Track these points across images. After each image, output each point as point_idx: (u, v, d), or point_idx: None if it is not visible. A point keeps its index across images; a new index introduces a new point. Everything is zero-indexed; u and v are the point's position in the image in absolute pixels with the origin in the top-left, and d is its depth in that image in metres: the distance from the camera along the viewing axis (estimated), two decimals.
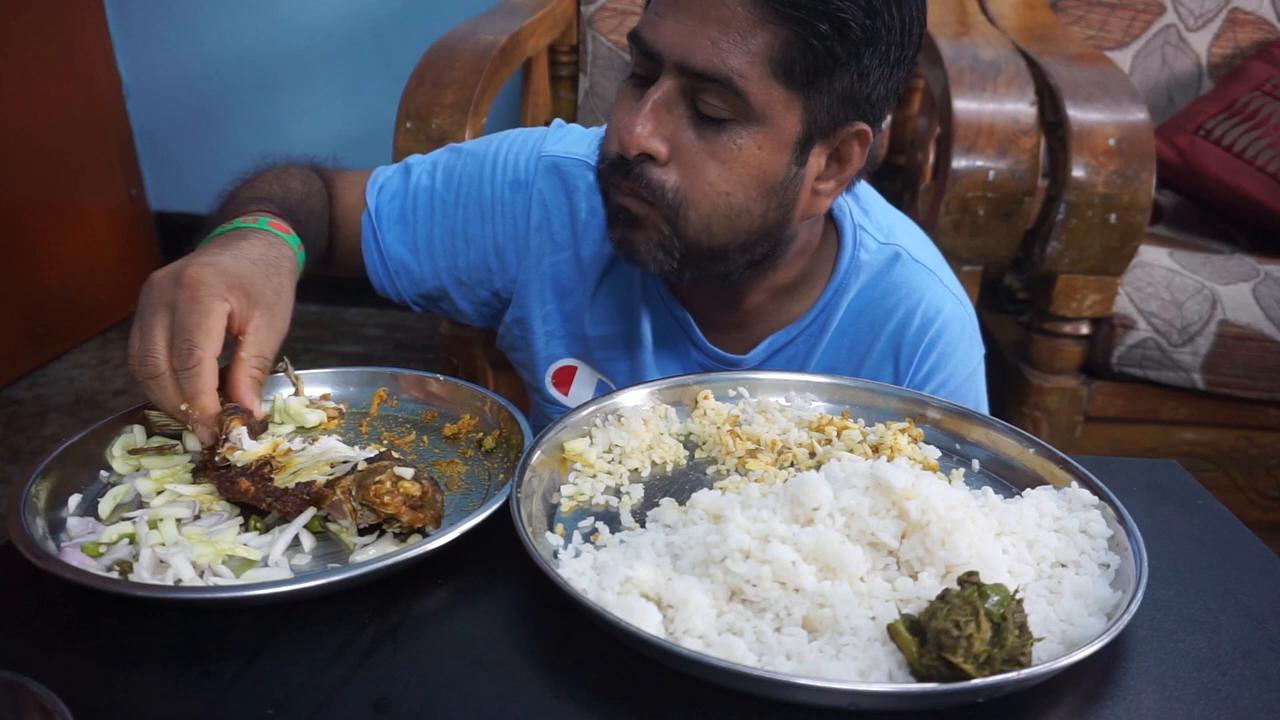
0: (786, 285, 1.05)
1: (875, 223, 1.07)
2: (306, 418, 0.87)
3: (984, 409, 1.11)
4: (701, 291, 1.06)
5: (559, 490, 0.78)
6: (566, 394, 1.16)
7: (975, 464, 0.84)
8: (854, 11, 0.80)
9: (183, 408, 0.76)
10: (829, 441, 0.85)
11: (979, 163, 1.70)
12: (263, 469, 0.75)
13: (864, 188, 1.07)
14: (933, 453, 0.83)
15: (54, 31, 2.73)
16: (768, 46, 0.82)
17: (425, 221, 1.10)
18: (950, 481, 0.80)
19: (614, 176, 0.90)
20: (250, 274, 0.83)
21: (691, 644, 0.60)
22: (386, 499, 0.69)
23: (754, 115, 0.85)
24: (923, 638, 0.57)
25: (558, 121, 1.14)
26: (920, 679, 0.57)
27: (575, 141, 1.10)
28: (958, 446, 0.86)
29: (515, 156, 1.09)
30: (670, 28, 0.83)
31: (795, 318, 1.06)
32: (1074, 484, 0.77)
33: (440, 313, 1.18)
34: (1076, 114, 1.72)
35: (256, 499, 0.73)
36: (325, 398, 0.91)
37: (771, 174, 0.88)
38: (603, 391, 1.13)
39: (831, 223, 1.06)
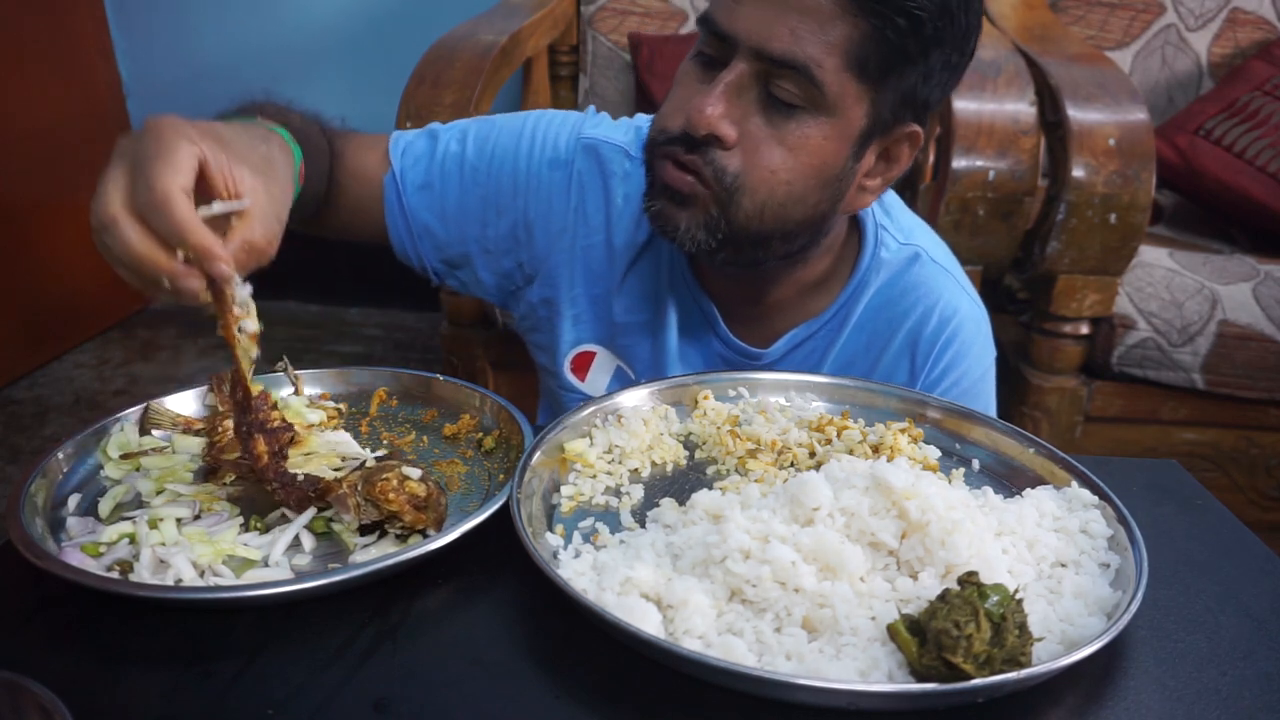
0: (811, 281, 1.05)
1: (896, 223, 1.09)
2: (306, 417, 0.87)
3: (993, 411, 1.12)
4: (728, 283, 1.06)
5: (559, 490, 0.78)
6: (583, 380, 1.16)
7: (975, 464, 0.84)
8: (930, 9, 0.82)
9: (151, 257, 0.66)
10: (829, 441, 0.85)
11: (979, 163, 1.70)
12: (282, 435, 0.74)
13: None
14: (933, 453, 0.83)
15: (54, 31, 2.73)
16: (846, 38, 0.83)
17: (455, 188, 1.08)
18: (950, 481, 0.80)
19: (672, 151, 0.90)
20: (228, 132, 0.75)
21: (691, 644, 0.60)
22: (391, 496, 0.69)
23: (826, 105, 0.86)
24: (923, 638, 0.57)
25: (592, 109, 1.14)
26: (920, 679, 0.57)
27: (612, 129, 1.10)
28: (958, 446, 0.86)
29: (555, 135, 1.09)
30: (748, 13, 0.84)
31: (816, 313, 1.07)
32: (1074, 484, 0.76)
33: (456, 285, 1.16)
34: (1076, 114, 1.72)
35: (265, 469, 0.72)
36: (325, 397, 0.91)
37: (830, 166, 0.90)
38: (620, 379, 1.13)
39: (854, 221, 1.07)
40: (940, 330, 1.06)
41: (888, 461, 0.75)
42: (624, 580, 0.64)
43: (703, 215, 0.91)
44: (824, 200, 0.92)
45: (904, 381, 1.07)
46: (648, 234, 1.06)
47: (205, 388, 0.88)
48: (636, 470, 0.82)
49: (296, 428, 0.77)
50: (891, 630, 0.59)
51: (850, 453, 0.83)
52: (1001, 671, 0.55)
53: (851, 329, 1.07)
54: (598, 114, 1.12)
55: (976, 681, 0.55)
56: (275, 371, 0.91)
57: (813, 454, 0.84)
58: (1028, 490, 0.76)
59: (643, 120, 1.11)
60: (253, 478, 0.74)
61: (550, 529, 0.73)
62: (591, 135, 1.08)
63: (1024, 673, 0.56)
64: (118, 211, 0.67)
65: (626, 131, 1.09)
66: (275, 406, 0.77)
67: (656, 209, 0.93)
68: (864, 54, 0.84)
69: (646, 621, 0.61)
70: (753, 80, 0.86)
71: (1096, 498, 0.74)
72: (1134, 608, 0.61)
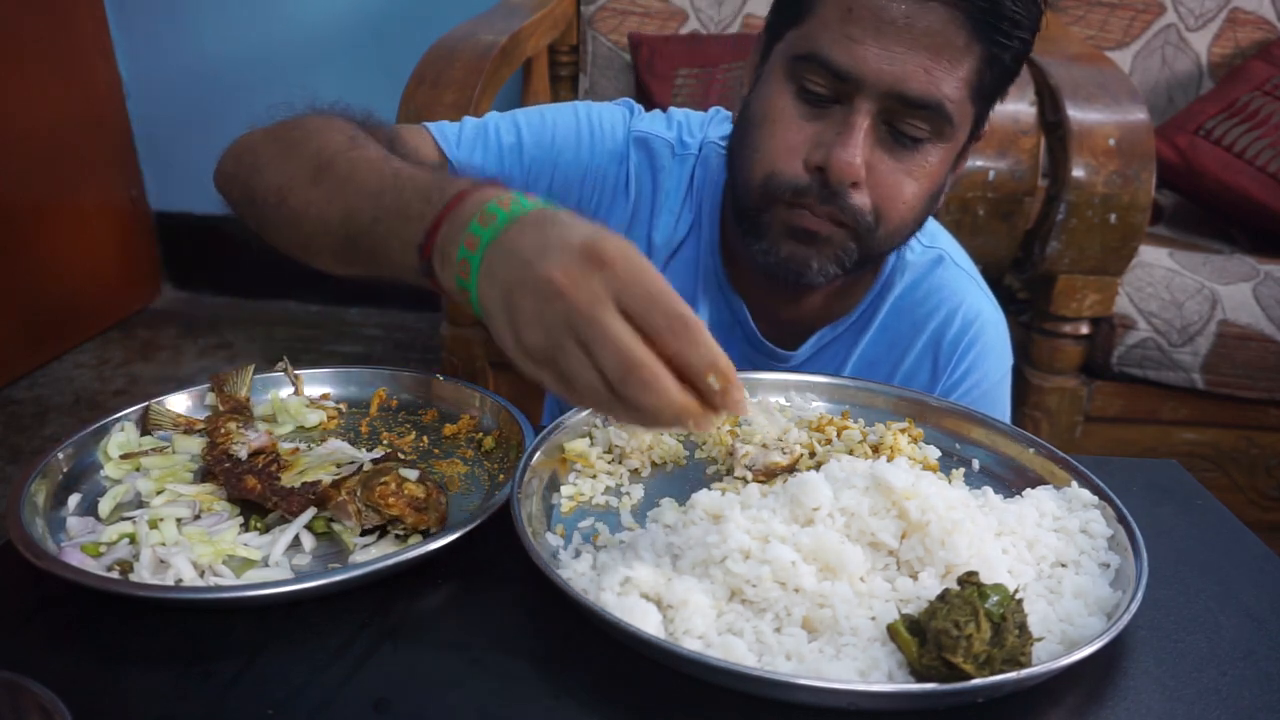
0: (840, 282, 1.05)
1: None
2: (306, 417, 0.87)
3: (1008, 413, 1.13)
4: (761, 284, 1.05)
5: (559, 490, 0.78)
6: None
7: (975, 464, 0.84)
8: (1031, 30, 0.85)
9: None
10: (829, 442, 0.85)
11: (979, 163, 1.70)
12: (269, 466, 0.75)
13: None
14: (932, 453, 0.83)
15: (54, 31, 2.73)
16: (971, 70, 0.85)
17: (519, 181, 1.04)
18: (950, 481, 0.80)
19: (804, 202, 0.89)
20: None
21: (691, 644, 0.60)
22: (391, 500, 0.69)
23: (948, 133, 0.88)
24: (922, 638, 0.57)
25: (628, 100, 1.13)
26: (920, 679, 0.57)
27: (654, 122, 1.09)
28: (958, 446, 0.86)
29: (611, 128, 1.07)
30: (875, 54, 0.83)
31: (843, 313, 1.08)
32: (1074, 484, 0.76)
33: None
34: (1076, 114, 1.72)
35: (263, 497, 0.73)
36: (325, 397, 0.91)
37: (941, 182, 0.93)
38: None
39: None
40: (963, 333, 1.07)
41: (888, 462, 0.75)
42: (624, 580, 0.64)
43: (836, 251, 0.92)
44: (931, 209, 0.95)
45: (925, 383, 1.07)
46: (685, 231, 1.06)
47: (205, 387, 0.88)
48: (636, 470, 0.82)
49: (282, 454, 0.77)
50: (891, 630, 0.58)
51: (850, 453, 0.83)
52: (1001, 671, 0.55)
53: (875, 330, 1.08)
54: (636, 105, 1.12)
55: (976, 681, 0.55)
56: (275, 371, 0.91)
57: (813, 454, 0.84)
58: (1028, 490, 0.76)
59: (677, 114, 1.10)
60: (251, 497, 0.74)
61: (550, 529, 0.73)
62: (642, 129, 1.07)
63: (1024, 673, 0.56)
64: (646, 356, 0.56)
65: (669, 126, 1.09)
66: (262, 453, 0.77)
67: (787, 252, 0.92)
68: (981, 80, 0.86)
69: (646, 621, 0.61)
70: (878, 119, 0.86)
71: (1096, 498, 0.74)
72: (1134, 608, 0.61)
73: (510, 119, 1.07)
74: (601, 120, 1.07)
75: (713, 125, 1.10)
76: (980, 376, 1.08)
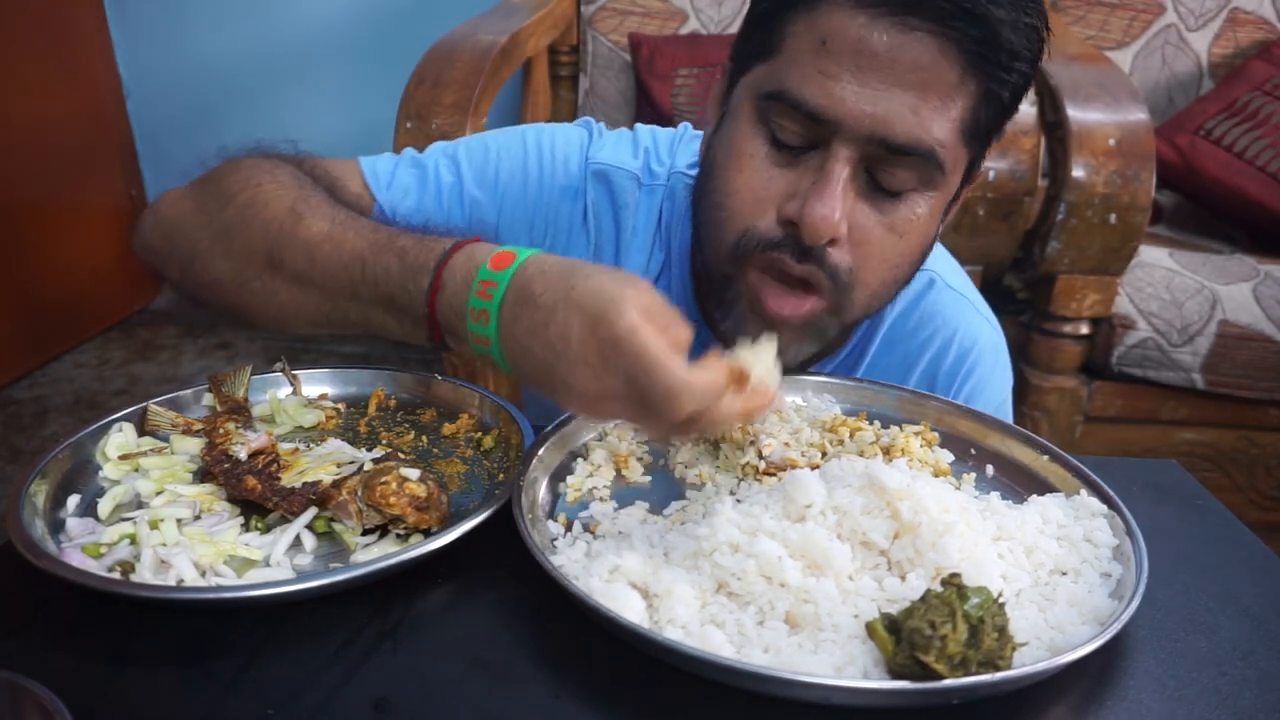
0: None
1: None
2: (304, 417, 0.87)
3: None
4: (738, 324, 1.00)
5: (565, 481, 0.78)
6: None
7: (990, 470, 0.83)
8: (1032, 61, 0.77)
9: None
10: (841, 443, 0.84)
11: None
12: (269, 466, 0.75)
13: None
14: (945, 457, 0.82)
15: (54, 31, 2.73)
16: (964, 108, 0.76)
17: (460, 224, 0.97)
18: (959, 487, 0.79)
19: (777, 261, 0.80)
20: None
21: (673, 633, 0.60)
22: (392, 500, 0.69)
23: (939, 182, 0.79)
24: (899, 636, 0.57)
25: (587, 120, 1.06)
26: (895, 677, 0.57)
27: (617, 148, 1.02)
28: (973, 452, 0.85)
29: (564, 159, 0.99)
30: (855, 94, 0.73)
31: (830, 352, 1.02)
32: (1083, 492, 0.75)
33: None
34: (1076, 114, 1.72)
35: (263, 498, 0.73)
36: (323, 397, 0.91)
37: (932, 235, 0.85)
38: None
39: None
40: (960, 363, 1.02)
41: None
42: (613, 568, 0.64)
43: (813, 331, 0.85)
44: (918, 266, 0.88)
45: None
46: (657, 271, 1.00)
47: (203, 388, 0.88)
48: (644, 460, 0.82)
49: (282, 454, 0.76)
50: (870, 628, 0.58)
51: (861, 454, 0.82)
52: (977, 674, 0.55)
53: (865, 367, 1.03)
54: (596, 125, 1.05)
55: (947, 682, 0.54)
56: (273, 371, 0.91)
57: (824, 454, 0.83)
58: (1033, 497, 0.75)
59: (644, 136, 1.04)
60: (251, 498, 0.74)
61: (553, 517, 0.73)
62: (601, 161, 0.99)
63: (998, 676, 0.55)
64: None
65: (635, 154, 1.01)
66: (262, 454, 0.77)
67: (751, 334, 0.80)
68: (976, 119, 0.77)
69: (629, 609, 0.61)
70: (858, 166, 0.77)
71: (1105, 506, 0.73)
72: (1125, 617, 0.60)
73: (451, 154, 0.99)
74: (554, 151, 0.99)
75: (682, 147, 1.02)
76: (981, 405, 1.02)
